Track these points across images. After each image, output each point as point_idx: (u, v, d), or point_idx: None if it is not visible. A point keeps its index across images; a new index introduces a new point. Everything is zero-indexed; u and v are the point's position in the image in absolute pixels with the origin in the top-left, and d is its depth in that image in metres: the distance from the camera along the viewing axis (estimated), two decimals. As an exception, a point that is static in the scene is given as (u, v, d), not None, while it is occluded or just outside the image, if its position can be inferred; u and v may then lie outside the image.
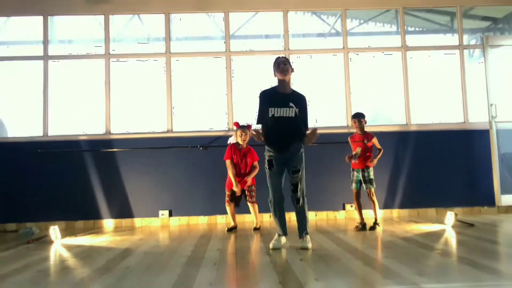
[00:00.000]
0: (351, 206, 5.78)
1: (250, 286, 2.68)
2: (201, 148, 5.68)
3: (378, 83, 6.23)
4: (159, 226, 5.58)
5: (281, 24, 6.12)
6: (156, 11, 6.06)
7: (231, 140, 5.09)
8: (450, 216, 4.73)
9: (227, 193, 4.98)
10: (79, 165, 5.69)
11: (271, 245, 3.72)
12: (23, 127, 6.01)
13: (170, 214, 5.69)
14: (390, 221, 5.36)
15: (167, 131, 5.85)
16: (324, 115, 6.02)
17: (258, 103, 3.82)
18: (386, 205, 5.83)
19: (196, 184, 5.59)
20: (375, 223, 4.69)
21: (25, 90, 6.03)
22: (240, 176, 4.94)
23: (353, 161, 4.77)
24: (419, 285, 2.40)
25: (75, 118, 5.96)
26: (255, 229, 4.90)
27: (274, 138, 3.74)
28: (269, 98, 3.75)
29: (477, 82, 6.09)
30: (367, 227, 4.65)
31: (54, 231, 4.52)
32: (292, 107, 3.66)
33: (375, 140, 4.77)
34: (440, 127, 6.02)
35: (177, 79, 6.01)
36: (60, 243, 4.39)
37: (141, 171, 5.71)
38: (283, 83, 3.75)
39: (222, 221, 5.61)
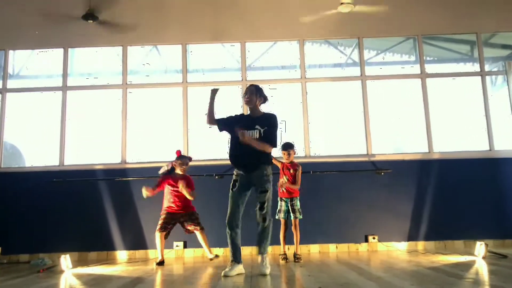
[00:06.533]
0: (374, 238, 5.52)
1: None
2: (216, 177, 5.56)
3: (398, 110, 6.09)
4: (173, 257, 5.41)
5: (297, 54, 6.11)
6: (173, 42, 6.14)
7: (164, 169, 5.02)
8: (480, 247, 4.44)
9: (161, 219, 4.86)
10: (94, 195, 5.63)
11: (223, 273, 3.60)
12: (41, 156, 6.01)
13: (185, 246, 5.52)
14: (415, 252, 5.07)
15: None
16: (344, 143, 5.89)
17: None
18: (411, 237, 5.54)
19: (211, 215, 5.39)
20: (298, 256, 4.61)
21: (43, 120, 6.08)
22: (176, 202, 4.86)
23: (280, 190, 4.72)
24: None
25: (92, 147, 5.95)
26: (212, 258, 4.81)
27: (239, 157, 3.79)
28: (237, 121, 3.83)
29: (501, 109, 5.91)
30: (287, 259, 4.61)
31: (65, 260, 4.40)
32: (257, 128, 3.75)
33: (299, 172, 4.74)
34: (465, 155, 5.78)
35: (192, 108, 5.99)
36: (70, 272, 4.26)
37: (155, 200, 5.59)
38: (251, 109, 3.90)
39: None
